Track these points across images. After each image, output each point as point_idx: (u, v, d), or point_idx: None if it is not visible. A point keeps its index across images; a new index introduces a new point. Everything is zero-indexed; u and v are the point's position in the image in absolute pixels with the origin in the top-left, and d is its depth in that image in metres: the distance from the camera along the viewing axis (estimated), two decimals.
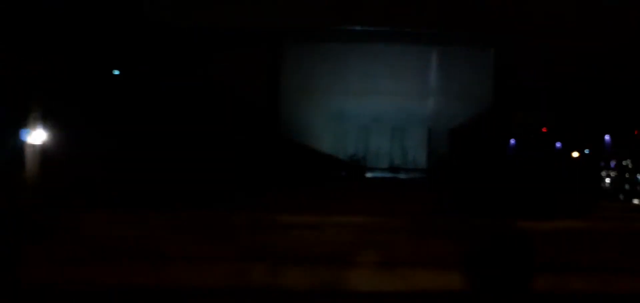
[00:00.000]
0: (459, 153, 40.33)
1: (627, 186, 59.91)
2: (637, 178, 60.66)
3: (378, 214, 16.27)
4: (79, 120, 25.45)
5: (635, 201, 57.01)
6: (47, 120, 23.60)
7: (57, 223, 14.99)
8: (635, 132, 61.67)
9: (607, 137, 62.58)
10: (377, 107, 43.43)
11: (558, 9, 43.55)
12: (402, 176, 43.12)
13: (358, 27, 42.53)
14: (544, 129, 65.05)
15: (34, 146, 23.38)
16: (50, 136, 23.89)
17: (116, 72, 32.57)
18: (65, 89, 24.96)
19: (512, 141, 61.82)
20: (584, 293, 15.16)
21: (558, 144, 63.50)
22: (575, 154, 63.39)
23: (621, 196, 55.77)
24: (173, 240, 14.29)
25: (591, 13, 45.27)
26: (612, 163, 62.47)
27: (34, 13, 26.88)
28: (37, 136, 23.80)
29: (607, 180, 61.19)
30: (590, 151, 63.74)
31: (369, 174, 43.29)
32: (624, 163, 62.34)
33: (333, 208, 18.55)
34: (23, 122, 23.62)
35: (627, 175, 60.39)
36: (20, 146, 22.58)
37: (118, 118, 27.10)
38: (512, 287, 14.92)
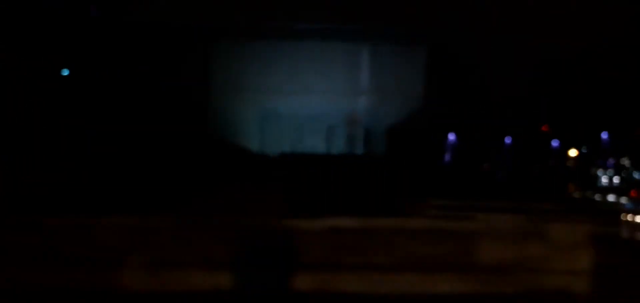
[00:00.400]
0: (395, 152, 40.11)
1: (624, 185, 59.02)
2: (633, 176, 59.74)
3: (160, 214, 16.45)
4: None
5: (624, 199, 56.24)
6: None
7: None
8: (637, 132, 60.76)
9: (604, 135, 61.63)
10: (312, 106, 43.15)
11: (488, 5, 43.07)
12: None
13: (290, 25, 42.44)
14: (544, 128, 64.33)
15: None
16: None
17: (66, 72, 32.90)
18: None
19: (507, 140, 61.43)
20: (351, 294, 15.17)
21: (555, 143, 62.79)
22: (573, 152, 62.59)
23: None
24: None
25: (525, 7, 44.66)
26: (610, 162, 61.56)
27: None
28: None
29: (604, 179, 60.35)
30: (588, 149, 62.87)
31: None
32: (621, 161, 61.39)
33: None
34: None
35: (622, 174, 59.49)
36: None
37: (43, 114, 27.46)
38: (273, 286, 15.04)
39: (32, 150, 26.26)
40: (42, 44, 29.44)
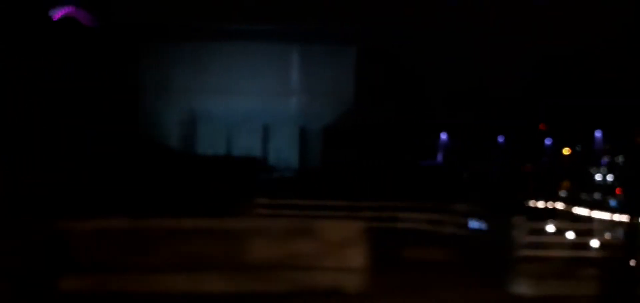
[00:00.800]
0: (331, 151, 39.76)
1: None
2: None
3: None
4: None
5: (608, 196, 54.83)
6: None
7: None
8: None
9: (598, 134, 60.40)
10: (246, 106, 42.81)
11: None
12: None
13: (222, 26, 42.22)
14: (542, 127, 63.28)
15: None
16: None
17: None
18: None
19: (500, 139, 60.67)
20: (122, 293, 15.14)
21: (548, 141, 61.74)
22: (566, 151, 61.47)
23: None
24: None
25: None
26: (604, 160, 60.22)
27: None
28: None
29: (598, 176, 59.05)
30: (582, 147, 61.73)
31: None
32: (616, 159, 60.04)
33: None
34: None
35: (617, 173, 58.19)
36: None
37: None
38: (44, 287, 15.11)
39: None
40: None
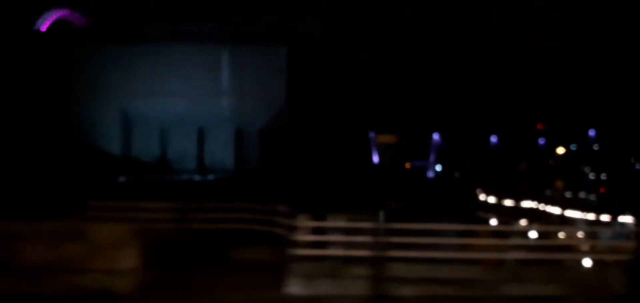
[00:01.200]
0: (269, 153, 39.04)
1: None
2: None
3: None
4: None
5: (593, 196, 53.25)
6: None
7: None
8: None
9: (591, 132, 58.87)
10: (180, 108, 42.25)
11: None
12: (197, 177, 41.64)
13: (152, 27, 41.83)
14: (540, 126, 61.91)
15: None
16: None
17: None
18: None
19: (493, 139, 59.63)
20: None
21: (542, 140, 60.37)
22: (560, 150, 60.11)
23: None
24: None
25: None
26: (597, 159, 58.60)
27: None
28: None
29: (591, 176, 57.45)
30: (576, 146, 60.37)
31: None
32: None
33: None
34: None
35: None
36: None
37: None
38: None
39: None
40: None
